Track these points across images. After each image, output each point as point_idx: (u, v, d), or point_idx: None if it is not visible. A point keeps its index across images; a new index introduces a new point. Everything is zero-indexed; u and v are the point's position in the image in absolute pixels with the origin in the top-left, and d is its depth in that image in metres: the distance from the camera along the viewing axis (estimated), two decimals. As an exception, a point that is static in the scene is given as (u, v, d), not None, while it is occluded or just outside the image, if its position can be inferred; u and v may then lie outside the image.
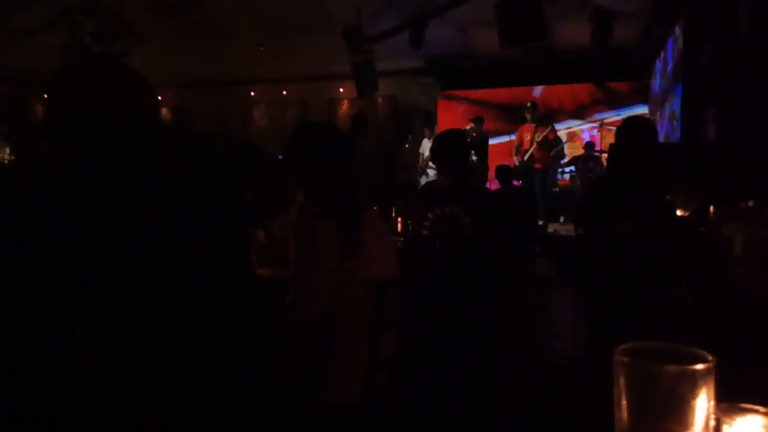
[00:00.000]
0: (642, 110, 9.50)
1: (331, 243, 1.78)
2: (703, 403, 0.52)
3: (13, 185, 1.04)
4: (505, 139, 9.41)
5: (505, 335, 3.53)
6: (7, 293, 0.96)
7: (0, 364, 0.96)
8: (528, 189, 7.74)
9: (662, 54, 7.93)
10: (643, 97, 9.62)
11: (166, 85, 10.53)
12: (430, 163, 7.89)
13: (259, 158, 3.01)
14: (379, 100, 10.76)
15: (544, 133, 7.87)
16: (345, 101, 11.24)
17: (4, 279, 0.96)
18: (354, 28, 7.91)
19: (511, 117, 9.79)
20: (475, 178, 7.70)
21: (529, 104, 8.32)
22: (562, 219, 8.45)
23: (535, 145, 7.86)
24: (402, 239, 3.36)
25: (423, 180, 8.54)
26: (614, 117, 9.68)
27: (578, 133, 10.08)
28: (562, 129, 9.71)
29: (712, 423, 0.54)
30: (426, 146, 8.62)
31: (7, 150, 8.51)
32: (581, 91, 10.09)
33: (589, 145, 8.96)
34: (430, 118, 10.23)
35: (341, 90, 11.02)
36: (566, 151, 9.09)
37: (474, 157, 8.04)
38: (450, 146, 2.99)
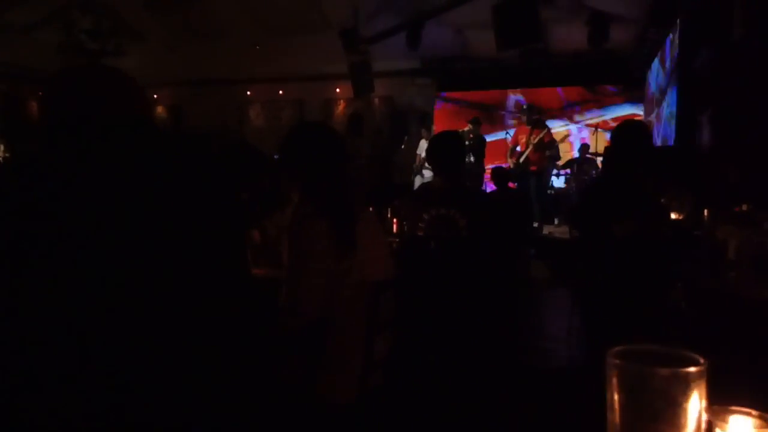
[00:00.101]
0: (631, 111, 9.58)
1: (324, 243, 1.78)
2: (695, 406, 0.52)
3: (8, 188, 1.04)
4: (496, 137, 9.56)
5: (500, 337, 3.53)
6: (3, 295, 0.96)
7: None
8: (523, 191, 7.75)
9: (659, 56, 7.96)
10: (630, 97, 9.75)
11: (162, 84, 10.50)
12: (426, 164, 7.89)
13: (255, 158, 3.00)
14: (376, 100, 10.76)
15: (540, 136, 7.88)
16: (341, 101, 11.23)
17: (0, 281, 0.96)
18: (351, 29, 7.92)
19: (490, 118, 9.96)
20: (471, 180, 7.72)
21: (525, 107, 8.34)
22: (556, 221, 8.47)
23: (530, 147, 7.87)
24: (397, 240, 3.37)
25: (418, 180, 8.54)
26: (603, 117, 9.79)
27: (567, 135, 10.13)
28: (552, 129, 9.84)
29: (704, 426, 0.54)
30: (423, 147, 8.63)
31: (2, 147, 8.45)
32: (570, 90, 10.16)
33: (584, 148, 8.98)
34: (426, 119, 10.23)
35: (338, 90, 11.01)
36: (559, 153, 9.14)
37: (471, 159, 8.07)
38: (446, 148, 3.01)
